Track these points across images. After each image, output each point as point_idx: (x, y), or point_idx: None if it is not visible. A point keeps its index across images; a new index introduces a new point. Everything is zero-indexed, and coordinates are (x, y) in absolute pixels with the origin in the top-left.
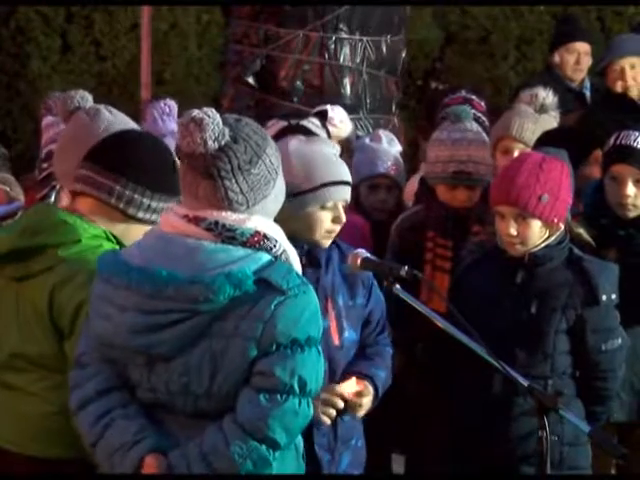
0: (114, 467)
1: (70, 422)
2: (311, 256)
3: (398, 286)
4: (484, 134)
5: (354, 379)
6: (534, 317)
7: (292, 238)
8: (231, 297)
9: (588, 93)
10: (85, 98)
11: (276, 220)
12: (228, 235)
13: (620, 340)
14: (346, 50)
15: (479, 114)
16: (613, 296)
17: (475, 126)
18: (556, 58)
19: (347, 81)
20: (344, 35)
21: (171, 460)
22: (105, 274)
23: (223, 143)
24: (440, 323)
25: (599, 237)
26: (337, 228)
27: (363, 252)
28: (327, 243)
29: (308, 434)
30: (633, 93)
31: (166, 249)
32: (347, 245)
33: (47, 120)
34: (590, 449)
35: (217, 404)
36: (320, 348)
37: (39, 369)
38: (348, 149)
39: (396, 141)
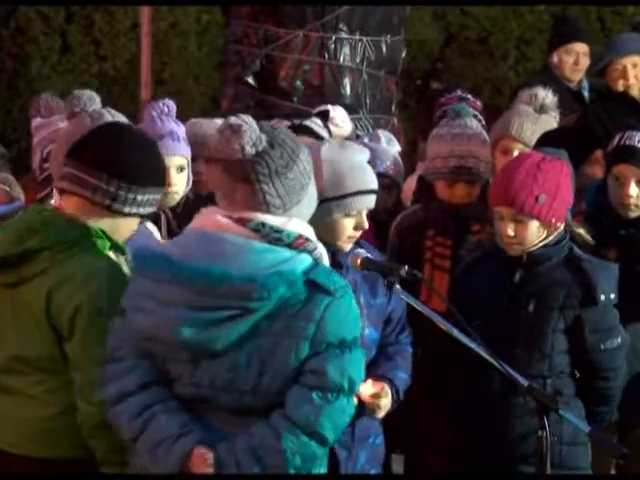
0: (157, 460)
1: (72, 422)
2: (333, 257)
3: (398, 286)
4: (483, 131)
5: (370, 381)
6: (531, 316)
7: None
8: (282, 297)
9: (586, 93)
10: (92, 99)
11: None
12: (275, 236)
13: (619, 339)
14: (346, 50)
15: (476, 112)
16: (612, 296)
17: (475, 123)
18: (554, 59)
19: (347, 81)
20: (344, 35)
21: (219, 453)
22: (146, 270)
23: (260, 149)
24: (440, 323)
25: (600, 237)
26: (358, 234)
27: (363, 252)
28: (348, 247)
29: None
30: (634, 92)
31: (211, 247)
32: (369, 245)
33: (36, 122)
34: (589, 449)
35: (263, 401)
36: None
37: (37, 372)
38: None
39: (395, 141)
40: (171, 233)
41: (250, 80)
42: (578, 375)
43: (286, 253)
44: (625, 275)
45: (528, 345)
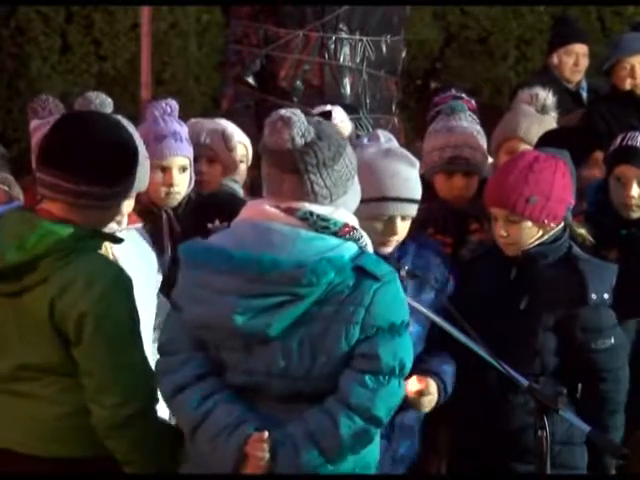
0: (217, 448)
1: (83, 422)
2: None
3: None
4: (479, 126)
5: (415, 377)
6: (523, 314)
7: None
8: (331, 282)
9: (585, 94)
10: (104, 104)
11: None
12: (322, 225)
13: (613, 340)
14: (346, 50)
15: (470, 112)
16: (605, 296)
17: (470, 117)
18: (554, 60)
19: (347, 81)
20: (344, 35)
21: (276, 438)
22: (199, 262)
23: (309, 140)
24: (440, 323)
25: (601, 237)
26: (392, 239)
27: None
28: (386, 250)
29: None
30: None
31: (263, 236)
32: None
33: (34, 123)
34: (585, 449)
35: (314, 386)
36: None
37: (48, 375)
38: None
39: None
40: (173, 233)
41: (250, 80)
42: (574, 376)
43: (333, 241)
44: (626, 275)
45: (520, 343)
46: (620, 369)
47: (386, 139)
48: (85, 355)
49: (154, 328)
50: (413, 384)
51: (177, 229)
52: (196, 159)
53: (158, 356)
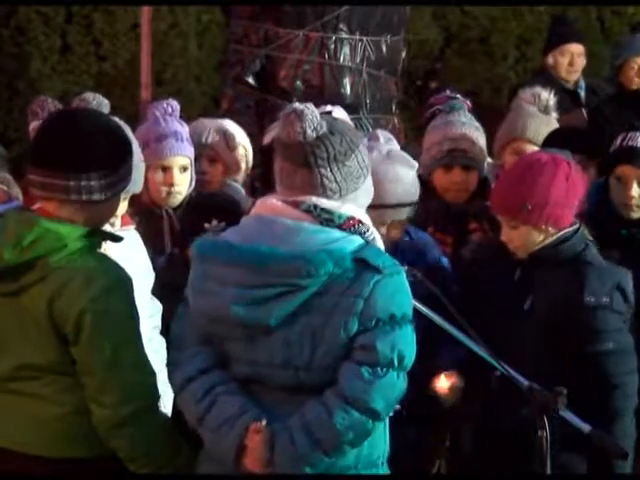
0: (220, 440)
1: (84, 421)
2: None
3: None
4: (477, 123)
5: (443, 376)
6: (525, 315)
7: None
8: (331, 274)
9: (583, 93)
10: (101, 105)
11: None
12: (326, 217)
13: (611, 344)
14: (346, 50)
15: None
16: (604, 299)
17: (469, 115)
18: (550, 60)
19: (347, 81)
20: (344, 35)
21: (274, 429)
22: (207, 255)
23: (321, 133)
24: (440, 323)
25: (601, 237)
26: (389, 240)
27: None
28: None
29: None
30: None
31: (268, 229)
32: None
33: (34, 124)
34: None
35: (316, 377)
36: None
37: (48, 374)
38: None
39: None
40: (174, 233)
41: (250, 80)
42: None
43: (336, 234)
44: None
45: (521, 344)
46: (620, 375)
47: (386, 139)
48: (84, 353)
49: (153, 327)
50: (443, 382)
51: (178, 229)
52: (197, 159)
53: (155, 354)
